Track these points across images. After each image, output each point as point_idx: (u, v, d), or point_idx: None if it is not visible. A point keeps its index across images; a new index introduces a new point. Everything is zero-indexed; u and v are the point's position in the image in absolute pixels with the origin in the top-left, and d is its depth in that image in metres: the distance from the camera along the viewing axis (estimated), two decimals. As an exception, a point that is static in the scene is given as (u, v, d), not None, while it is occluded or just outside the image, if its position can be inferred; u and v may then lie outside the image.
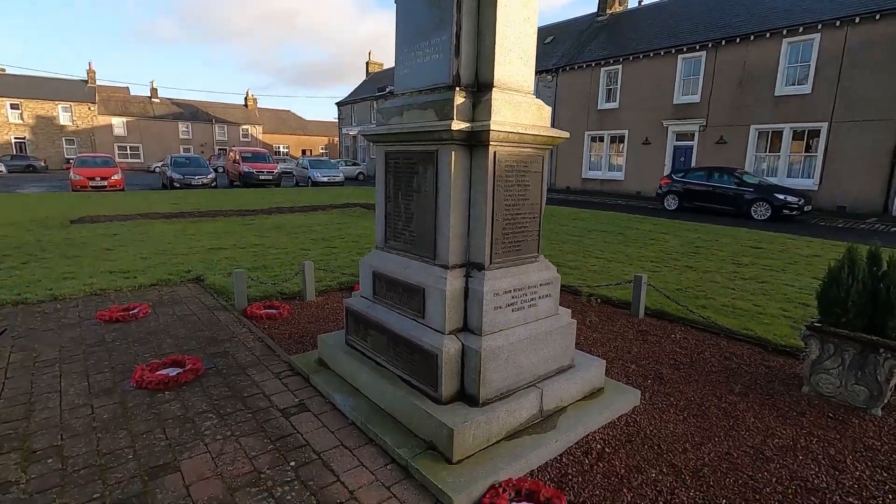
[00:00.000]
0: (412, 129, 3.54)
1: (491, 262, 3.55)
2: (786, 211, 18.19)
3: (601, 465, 3.34)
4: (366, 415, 3.70)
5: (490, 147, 3.33)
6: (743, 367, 4.98)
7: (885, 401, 4.11)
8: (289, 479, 3.07)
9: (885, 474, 3.31)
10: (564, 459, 3.40)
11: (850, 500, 3.05)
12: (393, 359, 3.86)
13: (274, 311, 6.30)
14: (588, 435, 3.69)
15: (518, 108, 3.50)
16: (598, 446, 3.57)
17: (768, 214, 18.42)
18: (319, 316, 6.31)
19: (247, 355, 4.97)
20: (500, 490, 2.94)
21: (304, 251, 10.27)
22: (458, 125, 3.25)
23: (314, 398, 4.10)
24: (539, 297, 3.82)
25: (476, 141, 3.37)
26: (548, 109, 3.76)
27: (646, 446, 3.59)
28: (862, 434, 3.79)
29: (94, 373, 4.50)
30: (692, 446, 3.60)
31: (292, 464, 3.23)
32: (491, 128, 3.21)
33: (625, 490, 3.10)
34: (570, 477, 3.21)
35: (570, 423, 3.62)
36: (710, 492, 3.11)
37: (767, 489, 3.13)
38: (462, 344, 3.46)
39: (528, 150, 3.59)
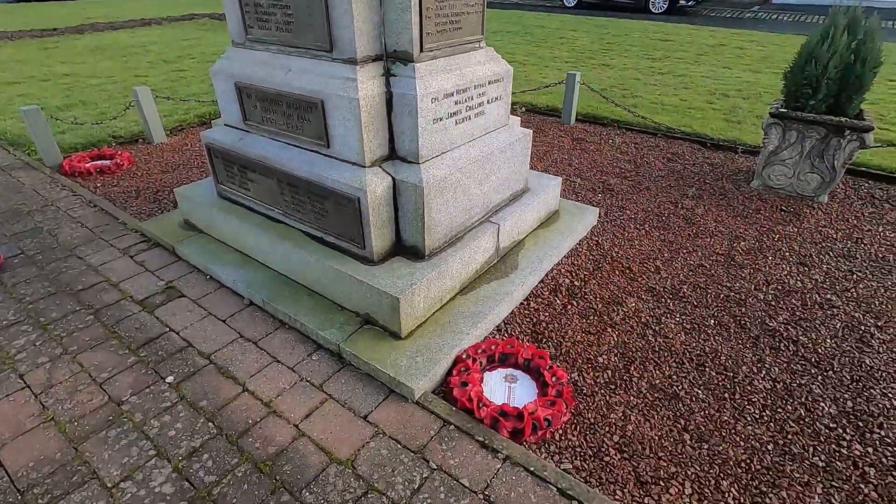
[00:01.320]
0: None
1: (422, 50, 2.29)
2: (682, 2, 17.61)
3: (575, 304, 2.78)
4: (267, 291, 2.68)
5: None
6: (688, 168, 4.56)
7: (835, 185, 3.94)
8: (168, 404, 2.10)
9: (849, 263, 3.16)
10: (533, 304, 2.77)
11: (828, 296, 2.85)
12: (292, 210, 2.71)
13: (107, 161, 4.54)
14: (553, 269, 3.07)
15: None
16: (567, 281, 2.98)
17: (665, 6, 17.78)
18: (177, 162, 4.69)
19: (74, 229, 3.48)
20: (469, 361, 2.25)
21: (140, 78, 7.70)
22: None
23: (187, 276, 2.94)
24: (487, 102, 2.72)
25: None
26: None
27: (616, 271, 3.07)
28: (816, 224, 3.61)
29: None
30: (664, 263, 3.15)
31: (170, 378, 2.23)
32: None
33: (608, 330, 2.59)
34: (543, 325, 2.62)
35: (531, 260, 2.93)
36: (697, 312, 2.72)
37: (750, 299, 2.82)
38: (392, 178, 2.38)
39: None
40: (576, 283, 2.96)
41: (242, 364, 2.30)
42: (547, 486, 1.76)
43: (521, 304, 2.78)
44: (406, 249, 2.54)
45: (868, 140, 3.56)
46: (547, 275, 3.02)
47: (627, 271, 3.08)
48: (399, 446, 1.91)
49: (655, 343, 2.50)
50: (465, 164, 2.53)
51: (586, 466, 1.90)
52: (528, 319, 2.66)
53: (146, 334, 2.49)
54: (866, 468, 1.89)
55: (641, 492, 1.81)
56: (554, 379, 2.19)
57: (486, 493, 1.75)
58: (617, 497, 1.79)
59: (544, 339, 2.52)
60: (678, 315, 2.70)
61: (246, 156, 2.77)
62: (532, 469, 1.82)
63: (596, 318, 2.68)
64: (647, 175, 4.42)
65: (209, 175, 4.21)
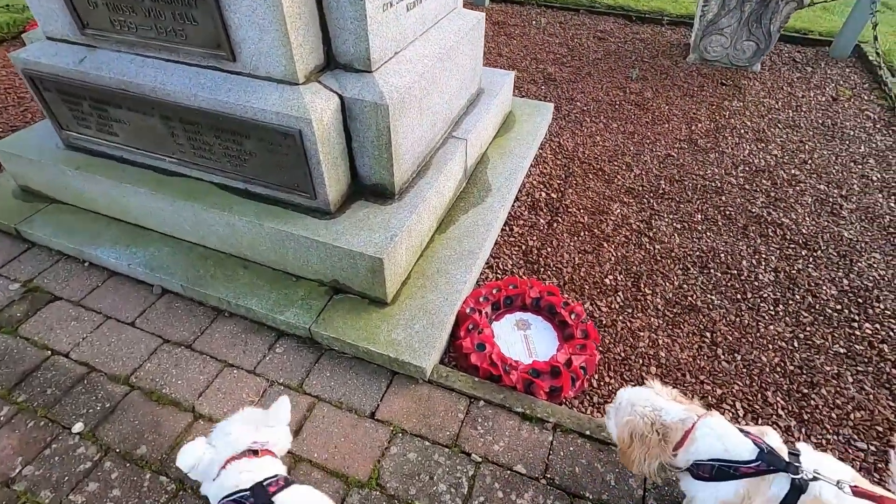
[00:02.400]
0: None
1: None
2: None
3: (561, 220, 2.46)
4: (184, 271, 1.98)
5: None
6: (622, 47, 4.22)
7: (768, 53, 3.87)
8: (88, 465, 1.49)
9: (798, 133, 3.15)
10: (516, 229, 2.40)
11: (792, 171, 2.83)
12: (194, 156, 1.94)
13: None
14: (525, 183, 2.68)
15: None
16: (543, 194, 2.62)
17: None
18: (-22, 99, 3.32)
19: None
20: (476, 315, 1.87)
21: None
22: None
23: (54, 269, 2.10)
24: (437, -25, 2.04)
25: None
26: None
27: (589, 175, 2.76)
28: (757, 96, 3.54)
29: None
30: (633, 159, 2.90)
31: (78, 426, 1.58)
32: None
33: (604, 245, 2.33)
34: (534, 251, 2.28)
35: (502, 177, 2.49)
36: (682, 209, 2.54)
37: (726, 185, 2.70)
38: (340, 97, 1.72)
39: None
40: (552, 195, 2.62)
41: (181, 380, 1.70)
42: (611, 450, 1.53)
43: (504, 230, 2.39)
44: (367, 189, 1.96)
45: (804, 0, 3.44)
46: (520, 190, 2.63)
47: (600, 173, 2.79)
48: (427, 443, 1.54)
49: (654, 251, 2.30)
50: (428, 65, 1.92)
51: (636, 410, 1.69)
52: (516, 248, 2.30)
53: (17, 367, 1.74)
54: (880, 345, 1.91)
55: (699, 425, 1.66)
56: (574, 317, 1.90)
57: (549, 475, 1.47)
58: (677, 438, 1.63)
59: (541, 269, 2.20)
60: (666, 215, 2.51)
61: (97, 85, 1.87)
62: (588, 432, 1.57)
63: (587, 233, 2.39)
64: (584, 59, 4.03)
65: (43, 118, 3.05)
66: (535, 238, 2.35)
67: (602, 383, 1.77)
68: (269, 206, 1.90)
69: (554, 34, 4.44)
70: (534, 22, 4.65)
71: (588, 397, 1.73)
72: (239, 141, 1.77)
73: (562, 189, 2.66)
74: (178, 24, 1.66)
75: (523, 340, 1.90)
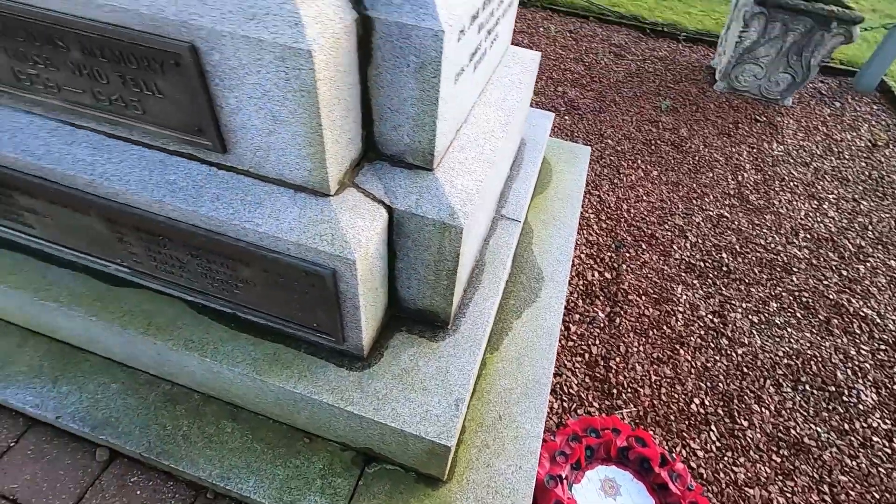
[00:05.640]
0: None
1: None
2: None
3: (622, 314, 2.02)
4: (145, 428, 1.38)
5: None
6: (640, 66, 3.80)
7: (804, 86, 3.56)
8: None
9: (848, 189, 2.86)
10: (574, 330, 1.94)
11: (857, 241, 2.52)
12: (156, 269, 1.33)
13: None
14: (575, 261, 2.21)
15: None
16: (595, 274, 2.17)
17: None
18: None
19: None
20: (558, 484, 1.41)
21: None
22: None
23: (-60, 420, 1.43)
24: (502, 15, 1.49)
25: None
26: None
27: (641, 244, 2.34)
28: (794, 136, 3.23)
29: None
30: (684, 221, 2.50)
31: None
32: None
33: (679, 350, 1.92)
34: (600, 362, 1.84)
35: (551, 258, 2.01)
36: (753, 293, 2.17)
37: (792, 260, 2.35)
38: (389, 209, 1.16)
39: None
40: (606, 274, 2.17)
41: None
42: None
43: (561, 331, 1.93)
44: (409, 314, 1.42)
45: (855, 34, 3.12)
46: (571, 276, 2.16)
47: (653, 241, 2.37)
48: None
49: (737, 357, 1.92)
50: (495, 144, 1.38)
51: None
52: (579, 359, 1.84)
53: None
54: None
55: None
56: (676, 480, 1.48)
57: None
58: None
59: (615, 391, 1.76)
60: (738, 304, 2.13)
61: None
62: None
63: (656, 332, 1.97)
64: (605, 81, 3.57)
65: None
66: (598, 342, 1.90)
67: (723, 581, 1.37)
68: (271, 345, 1.32)
69: (567, 46, 3.94)
70: (542, 29, 4.12)
71: None
72: (231, 266, 1.19)
73: (614, 265, 2.21)
74: (131, 93, 1.04)
75: (613, 512, 1.46)
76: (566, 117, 3.16)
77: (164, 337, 1.31)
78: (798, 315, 2.12)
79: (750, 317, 2.09)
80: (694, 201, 2.64)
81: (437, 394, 1.26)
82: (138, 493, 1.33)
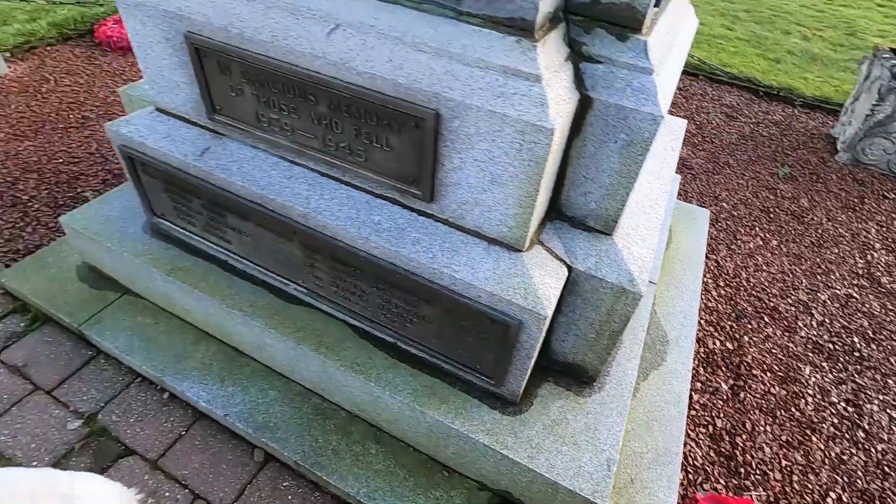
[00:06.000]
0: None
1: (657, 2, 1.06)
2: None
3: (746, 388, 1.96)
4: (300, 438, 1.50)
5: None
6: (754, 130, 3.72)
7: (939, 166, 3.36)
8: None
9: None
10: (696, 398, 1.90)
11: None
12: (336, 295, 1.46)
13: None
14: (698, 334, 2.18)
15: None
16: (716, 343, 2.12)
17: None
18: (39, 115, 2.87)
19: None
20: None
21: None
22: None
23: (123, 399, 1.62)
24: (671, 87, 1.56)
25: None
26: None
27: (763, 317, 2.26)
28: (931, 218, 3.03)
29: None
30: (808, 297, 2.40)
31: None
32: None
33: (810, 436, 1.82)
34: (725, 437, 1.79)
35: (675, 322, 2.00)
36: (888, 384, 2.04)
37: (934, 354, 2.19)
38: (568, 268, 1.23)
39: None
40: (727, 344, 2.12)
41: None
42: None
43: (689, 392, 1.89)
44: (557, 366, 1.46)
45: None
46: (696, 346, 2.13)
47: (776, 315, 2.29)
48: None
49: (876, 454, 1.80)
50: (659, 214, 1.43)
51: None
52: (702, 429, 1.80)
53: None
54: None
55: None
56: (818, 578, 1.40)
57: None
58: None
59: (742, 470, 1.69)
60: (874, 395, 2.00)
61: (220, 188, 1.40)
62: None
63: (783, 412, 1.89)
64: (717, 142, 3.53)
65: (122, 179, 2.60)
66: (722, 414, 1.85)
67: None
68: (427, 378, 1.41)
69: (676, 104, 3.95)
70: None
71: None
72: (412, 302, 1.29)
73: (736, 336, 2.16)
74: (360, 144, 1.19)
75: None
76: (677, 173, 3.15)
77: (333, 357, 1.43)
78: (943, 416, 1.96)
79: (889, 411, 1.95)
80: (818, 277, 2.53)
81: (588, 450, 1.29)
82: (290, 498, 1.44)
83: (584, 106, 1.07)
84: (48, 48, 3.55)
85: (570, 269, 1.23)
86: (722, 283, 2.42)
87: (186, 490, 1.43)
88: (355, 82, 1.09)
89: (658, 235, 1.34)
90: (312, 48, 1.10)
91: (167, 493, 1.42)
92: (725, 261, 2.55)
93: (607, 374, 1.48)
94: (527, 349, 1.20)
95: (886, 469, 1.76)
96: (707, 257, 2.55)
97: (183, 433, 1.56)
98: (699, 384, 1.95)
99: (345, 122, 1.17)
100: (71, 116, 2.92)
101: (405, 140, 1.12)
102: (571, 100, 1.03)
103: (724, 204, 2.95)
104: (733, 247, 2.65)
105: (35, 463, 1.44)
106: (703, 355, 2.06)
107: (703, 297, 2.32)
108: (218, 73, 1.27)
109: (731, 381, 1.98)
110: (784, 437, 1.81)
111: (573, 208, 1.25)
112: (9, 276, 1.87)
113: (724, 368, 2.02)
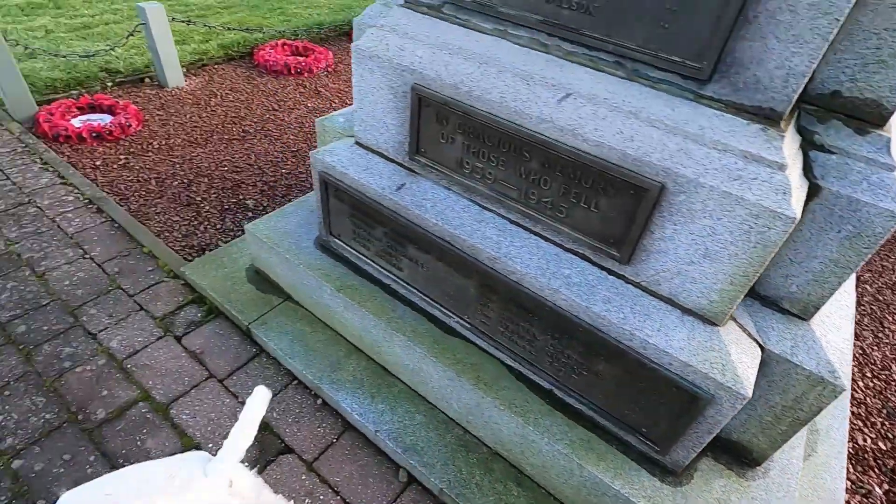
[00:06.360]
0: None
1: None
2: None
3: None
4: (444, 467, 1.55)
5: None
6: None
7: None
8: None
9: None
10: (848, 500, 1.76)
11: None
12: (502, 336, 1.53)
13: (104, 118, 3.08)
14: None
15: None
16: (866, 441, 1.96)
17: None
18: (209, 124, 3.25)
19: (70, 266, 2.18)
20: None
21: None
22: None
23: (284, 398, 1.77)
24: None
25: None
26: None
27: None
28: None
29: None
30: (974, 404, 2.16)
31: None
32: None
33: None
34: (880, 546, 1.63)
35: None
36: None
37: None
38: (760, 347, 1.22)
39: None
40: (879, 443, 1.96)
41: None
42: None
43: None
44: (719, 443, 1.43)
45: None
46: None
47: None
48: None
49: None
50: (848, 301, 1.38)
51: None
52: (853, 534, 1.66)
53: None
54: None
55: None
56: None
57: None
58: None
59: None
60: None
61: (409, 221, 1.52)
62: None
63: (950, 533, 1.70)
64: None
65: (299, 193, 2.87)
66: (876, 521, 1.70)
67: None
68: (583, 432, 1.43)
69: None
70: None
71: None
72: (590, 358, 1.32)
73: (889, 435, 1.99)
74: (566, 202, 1.26)
75: None
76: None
77: (492, 394, 1.49)
78: None
79: None
80: None
81: (756, 539, 1.24)
82: (432, 524, 1.49)
83: (810, 193, 1.08)
84: (216, 66, 4.03)
85: (762, 348, 1.21)
86: (869, 374, 2.24)
87: (339, 497, 1.53)
88: (580, 148, 1.16)
89: (852, 325, 1.29)
90: (541, 112, 1.19)
91: (321, 497, 1.52)
92: (872, 349, 2.37)
93: (771, 459, 1.42)
94: (710, 424, 1.19)
95: None
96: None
97: (334, 441, 1.67)
98: (849, 482, 1.81)
99: (555, 180, 1.25)
100: (234, 129, 3.28)
101: (616, 204, 1.17)
102: (802, 187, 1.04)
103: (867, 286, 2.75)
104: (880, 335, 2.46)
105: (211, 445, 1.60)
106: (851, 450, 1.91)
107: (852, 388, 2.16)
108: (433, 122, 1.41)
109: (885, 486, 1.82)
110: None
111: (768, 288, 1.24)
112: (191, 270, 2.12)
113: (876, 469, 1.86)
